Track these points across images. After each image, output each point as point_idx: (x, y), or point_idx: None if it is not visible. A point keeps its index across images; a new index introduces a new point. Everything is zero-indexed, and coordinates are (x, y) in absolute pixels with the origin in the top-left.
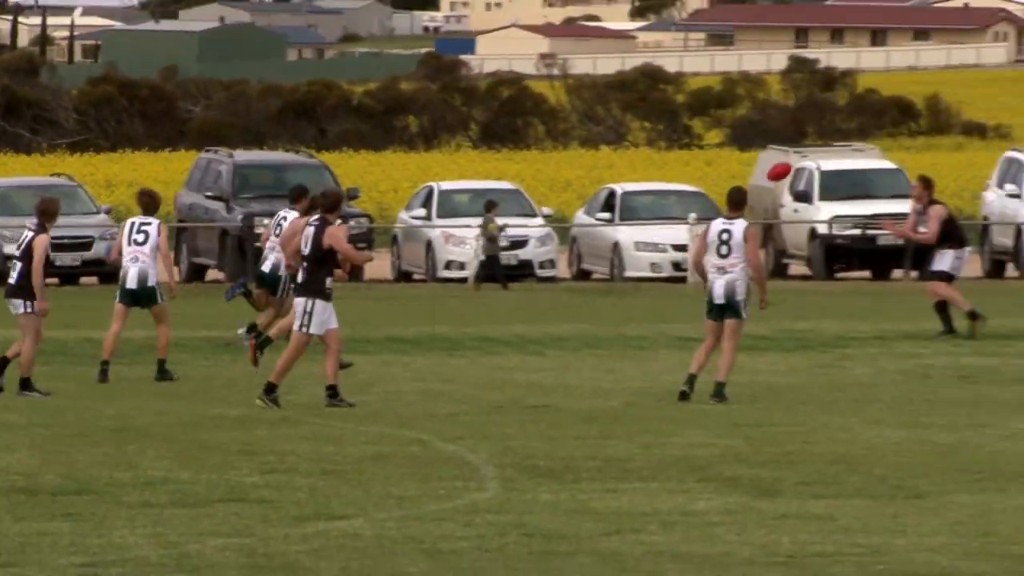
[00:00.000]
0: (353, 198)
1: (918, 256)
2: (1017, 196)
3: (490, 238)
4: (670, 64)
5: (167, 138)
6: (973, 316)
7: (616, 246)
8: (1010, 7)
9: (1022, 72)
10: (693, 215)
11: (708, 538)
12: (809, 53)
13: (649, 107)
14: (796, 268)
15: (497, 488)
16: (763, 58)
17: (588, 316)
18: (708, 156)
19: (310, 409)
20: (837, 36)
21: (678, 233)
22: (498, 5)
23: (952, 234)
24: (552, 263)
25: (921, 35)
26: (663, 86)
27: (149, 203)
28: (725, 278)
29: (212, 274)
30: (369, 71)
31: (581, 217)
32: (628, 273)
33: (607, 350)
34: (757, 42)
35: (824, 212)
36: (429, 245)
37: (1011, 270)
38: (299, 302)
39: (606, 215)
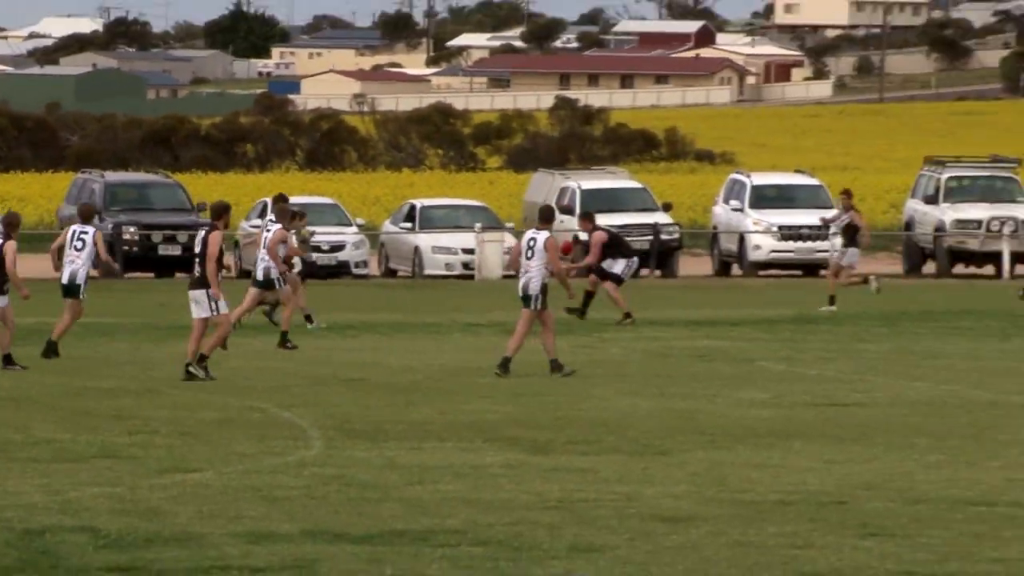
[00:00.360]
0: (201, 210)
1: (660, 257)
2: (740, 210)
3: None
4: (458, 103)
5: (50, 161)
6: (627, 316)
7: (416, 250)
8: (732, 58)
9: (742, 110)
10: (479, 225)
11: (493, 487)
12: (571, 94)
13: (442, 137)
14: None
15: (321, 447)
16: (534, 98)
17: (395, 306)
18: (490, 177)
19: (169, 382)
20: (593, 80)
21: (467, 239)
22: (319, 54)
23: (619, 249)
24: (365, 263)
25: (661, 80)
26: (453, 120)
27: (87, 213)
28: (525, 276)
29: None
30: (214, 108)
31: (388, 226)
32: (427, 272)
33: (411, 334)
34: (528, 85)
35: None
36: None
37: (736, 270)
38: (198, 293)
39: (408, 224)
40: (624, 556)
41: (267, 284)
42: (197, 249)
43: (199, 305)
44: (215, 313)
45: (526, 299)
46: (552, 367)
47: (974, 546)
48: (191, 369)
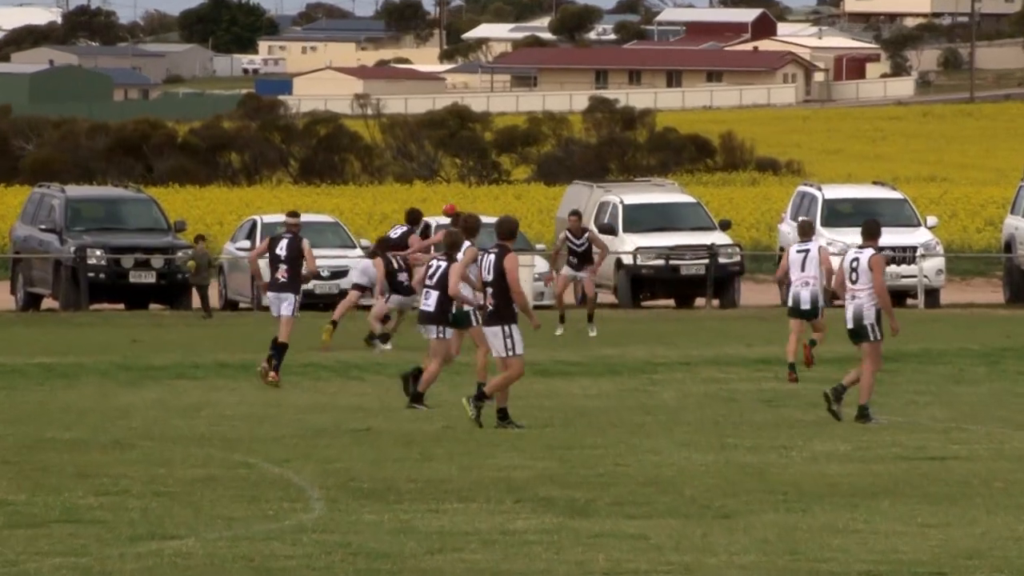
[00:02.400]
0: (180, 230)
1: (718, 284)
2: None
3: (195, 271)
4: (477, 104)
5: (1, 174)
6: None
7: None
8: (797, 51)
9: (810, 111)
10: None
11: (527, 556)
12: (609, 93)
13: (459, 144)
14: (603, 296)
15: (322, 509)
16: (565, 98)
17: (410, 344)
18: (517, 190)
19: (143, 432)
20: (635, 78)
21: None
22: (313, 49)
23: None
24: (371, 292)
25: (714, 77)
26: (472, 125)
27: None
28: (853, 304)
29: (47, 303)
30: (192, 111)
31: None
32: None
33: None
34: (559, 83)
35: (629, 244)
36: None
37: None
38: (493, 331)
39: None
40: None
41: (813, 313)
42: (488, 277)
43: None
44: (510, 353)
45: (858, 332)
46: (859, 414)
47: None
48: (507, 424)
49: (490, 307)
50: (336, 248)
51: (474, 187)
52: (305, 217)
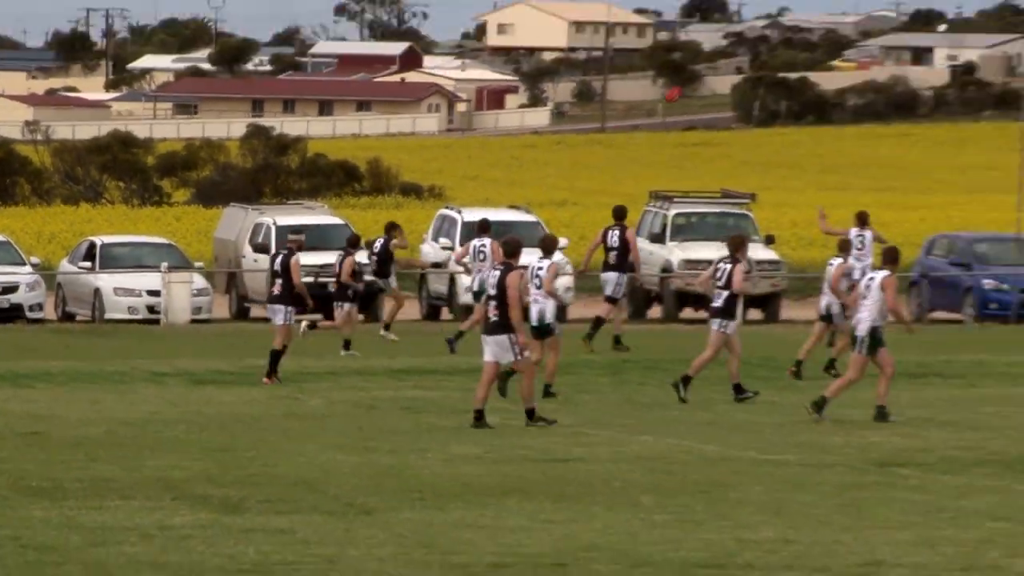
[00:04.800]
0: None
1: (364, 301)
2: (451, 248)
3: None
4: (141, 131)
5: None
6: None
7: (97, 291)
8: (441, 82)
9: (452, 139)
10: (165, 264)
11: (182, 549)
12: (265, 122)
13: (122, 168)
14: (256, 311)
15: None
16: (224, 126)
17: (74, 354)
18: (177, 212)
19: None
20: (289, 107)
21: (152, 280)
22: None
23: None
24: (40, 306)
25: (363, 106)
26: (135, 150)
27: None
28: (855, 317)
29: None
30: None
31: (66, 266)
32: (108, 315)
33: (91, 384)
34: (218, 112)
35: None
36: None
37: (447, 314)
38: (499, 339)
39: (87, 264)
40: None
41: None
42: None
43: (498, 349)
44: (519, 358)
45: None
46: (878, 414)
47: None
48: (537, 424)
49: (493, 319)
50: (7, 265)
51: (137, 208)
52: None
